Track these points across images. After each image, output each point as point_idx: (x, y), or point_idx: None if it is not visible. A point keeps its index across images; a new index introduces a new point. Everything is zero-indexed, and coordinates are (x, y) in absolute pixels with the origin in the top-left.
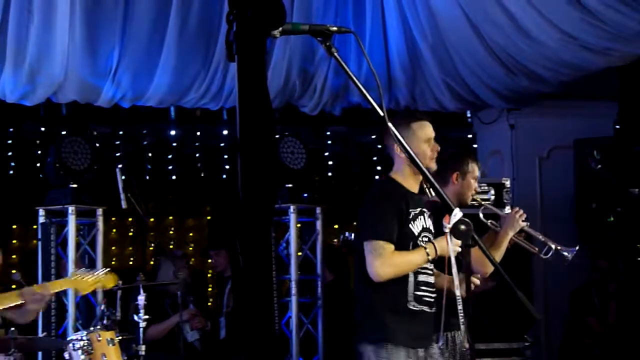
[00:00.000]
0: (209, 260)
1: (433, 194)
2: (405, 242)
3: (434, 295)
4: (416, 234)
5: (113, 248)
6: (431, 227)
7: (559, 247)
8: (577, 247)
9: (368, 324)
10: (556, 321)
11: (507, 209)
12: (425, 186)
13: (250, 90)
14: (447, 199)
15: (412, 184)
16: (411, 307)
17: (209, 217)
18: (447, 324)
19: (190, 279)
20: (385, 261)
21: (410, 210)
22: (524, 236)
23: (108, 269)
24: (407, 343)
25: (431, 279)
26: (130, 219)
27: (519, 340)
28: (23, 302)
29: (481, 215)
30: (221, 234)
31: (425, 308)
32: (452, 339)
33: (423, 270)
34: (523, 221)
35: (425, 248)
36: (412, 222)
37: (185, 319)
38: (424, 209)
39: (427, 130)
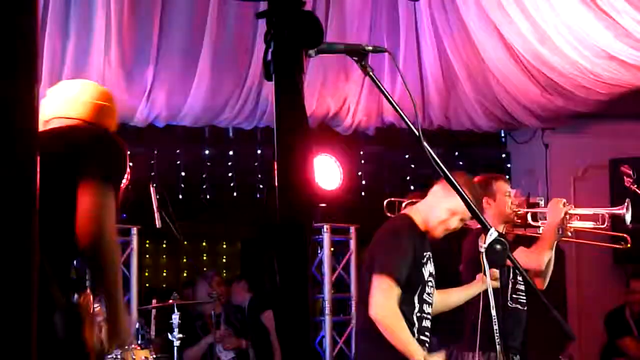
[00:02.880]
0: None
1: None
2: (415, 285)
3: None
4: (425, 278)
5: (146, 271)
6: (434, 273)
7: (612, 212)
8: (626, 203)
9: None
10: (591, 342)
11: (542, 203)
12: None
13: (288, 110)
14: (483, 219)
15: (424, 227)
16: None
17: (241, 241)
18: (484, 344)
19: (224, 298)
20: (392, 307)
21: (423, 253)
22: (578, 217)
23: None
24: None
25: (429, 324)
26: (164, 242)
27: None
28: None
29: (529, 218)
30: (253, 259)
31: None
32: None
33: (426, 316)
34: (565, 205)
35: (424, 352)
36: (424, 266)
37: (217, 339)
38: (430, 254)
39: (459, 206)
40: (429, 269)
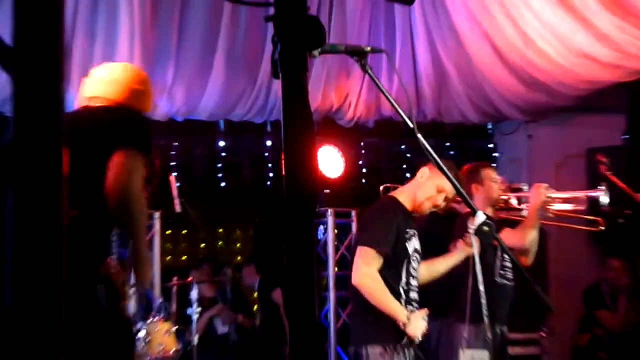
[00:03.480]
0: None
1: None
2: (400, 258)
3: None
4: (410, 252)
5: (168, 258)
6: (419, 249)
7: (589, 194)
8: (603, 186)
9: (368, 329)
10: (570, 314)
11: (526, 188)
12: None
13: (294, 105)
14: (471, 203)
15: (411, 206)
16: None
17: (255, 221)
18: (473, 315)
19: (233, 275)
20: (371, 273)
21: (407, 229)
22: (562, 200)
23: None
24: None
25: (417, 297)
26: (184, 232)
27: (535, 331)
28: None
29: (514, 202)
30: (263, 241)
31: None
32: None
33: (413, 288)
34: (546, 189)
35: (407, 317)
36: (407, 241)
37: (214, 313)
38: (415, 231)
39: (446, 185)
40: (413, 244)
